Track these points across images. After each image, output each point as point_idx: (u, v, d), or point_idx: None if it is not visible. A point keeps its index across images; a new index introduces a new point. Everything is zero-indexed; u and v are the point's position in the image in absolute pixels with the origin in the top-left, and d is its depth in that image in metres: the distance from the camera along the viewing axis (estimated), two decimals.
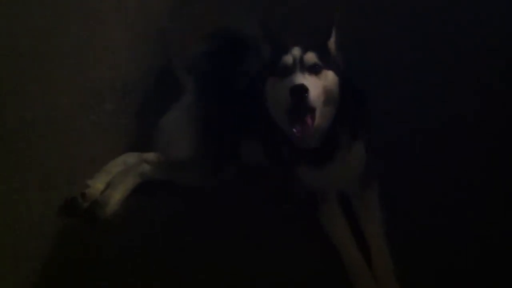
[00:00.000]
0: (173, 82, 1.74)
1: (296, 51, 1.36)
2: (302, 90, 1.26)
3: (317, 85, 1.32)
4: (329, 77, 1.36)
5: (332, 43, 1.43)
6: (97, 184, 1.54)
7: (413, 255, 1.38)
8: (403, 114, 1.66)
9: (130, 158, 1.59)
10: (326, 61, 1.36)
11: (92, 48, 1.96)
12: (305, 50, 1.36)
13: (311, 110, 1.29)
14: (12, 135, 1.70)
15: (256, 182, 1.58)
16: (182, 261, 1.41)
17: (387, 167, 1.50)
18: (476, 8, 2.00)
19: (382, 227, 1.42)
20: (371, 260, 1.37)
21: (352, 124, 1.39)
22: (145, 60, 1.94)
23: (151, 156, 1.59)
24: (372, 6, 2.03)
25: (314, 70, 1.34)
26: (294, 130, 1.28)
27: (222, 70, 1.61)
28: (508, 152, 1.60)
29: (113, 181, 1.55)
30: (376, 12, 2.02)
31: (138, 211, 1.53)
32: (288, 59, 1.35)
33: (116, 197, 1.52)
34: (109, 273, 1.40)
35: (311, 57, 1.35)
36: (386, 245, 1.39)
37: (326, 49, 1.41)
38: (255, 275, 1.37)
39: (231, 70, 1.60)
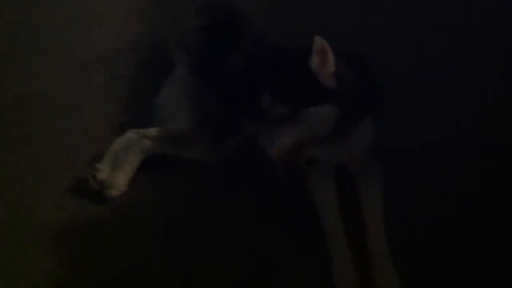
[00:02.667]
0: (167, 55, 1.74)
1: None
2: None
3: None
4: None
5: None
6: (103, 166, 1.53)
7: (412, 255, 1.38)
8: (402, 114, 1.65)
9: (131, 134, 1.58)
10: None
11: (84, 19, 1.97)
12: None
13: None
14: (3, 108, 1.71)
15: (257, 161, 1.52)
16: (184, 260, 1.41)
17: (387, 168, 1.49)
18: (475, 8, 2.00)
19: (381, 208, 1.42)
20: (367, 239, 1.38)
21: (361, 102, 1.33)
22: (138, 32, 1.95)
23: (151, 131, 1.58)
24: (372, 5, 2.04)
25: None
26: None
27: (215, 46, 1.61)
28: (508, 152, 1.60)
29: (116, 161, 1.54)
30: (375, 11, 2.03)
31: (138, 210, 1.52)
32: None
33: (123, 177, 1.52)
34: (108, 270, 1.40)
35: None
36: (383, 225, 1.39)
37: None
38: (256, 275, 1.38)
39: (225, 45, 1.60)
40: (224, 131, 1.57)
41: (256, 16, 1.77)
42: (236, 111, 1.55)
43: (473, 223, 1.45)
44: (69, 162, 1.59)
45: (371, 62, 1.43)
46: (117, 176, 1.52)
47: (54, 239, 1.44)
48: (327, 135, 1.31)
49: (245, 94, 1.48)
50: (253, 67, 1.48)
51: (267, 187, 1.55)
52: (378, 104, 1.41)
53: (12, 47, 1.88)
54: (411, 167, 1.56)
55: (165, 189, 1.56)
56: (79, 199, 1.51)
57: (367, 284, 1.34)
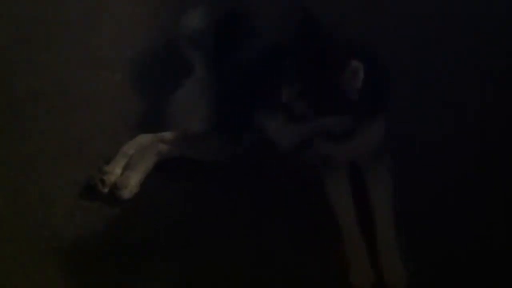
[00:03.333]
0: (180, 55, 1.76)
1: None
2: None
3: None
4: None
5: None
6: (115, 169, 1.55)
7: (413, 254, 1.38)
8: (402, 114, 1.65)
9: (145, 139, 1.61)
10: None
11: (99, 16, 1.98)
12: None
13: None
14: (19, 103, 1.73)
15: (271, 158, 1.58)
16: (186, 259, 1.42)
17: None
18: (476, 5, 2.00)
19: (390, 202, 1.43)
20: (376, 235, 1.38)
21: (373, 98, 1.33)
22: (155, 31, 1.96)
23: (167, 135, 1.60)
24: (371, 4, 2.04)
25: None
26: None
27: (228, 43, 1.64)
28: (508, 151, 1.60)
29: (130, 162, 1.56)
30: (376, 8, 2.03)
31: (144, 210, 1.53)
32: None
33: (136, 178, 1.54)
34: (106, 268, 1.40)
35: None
36: (392, 220, 1.39)
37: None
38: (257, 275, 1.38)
39: (237, 42, 1.63)
40: (240, 131, 1.58)
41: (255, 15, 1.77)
42: (251, 110, 1.56)
43: (473, 223, 1.45)
44: (83, 159, 1.61)
45: (382, 56, 1.42)
46: (130, 177, 1.53)
47: (67, 237, 1.45)
48: (339, 134, 1.34)
49: (261, 91, 1.51)
50: (266, 63, 1.51)
51: (267, 187, 1.55)
52: (388, 100, 1.41)
53: (27, 44, 1.89)
54: (411, 167, 1.56)
55: (164, 189, 1.56)
56: (91, 200, 1.52)
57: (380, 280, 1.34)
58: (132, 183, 1.53)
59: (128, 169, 1.55)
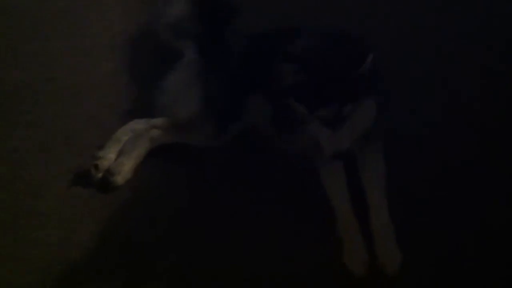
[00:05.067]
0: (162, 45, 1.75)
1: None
2: None
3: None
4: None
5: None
6: (108, 154, 1.55)
7: (413, 248, 1.37)
8: (402, 104, 1.66)
9: (138, 125, 1.61)
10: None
11: (87, 5, 1.98)
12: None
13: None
14: (9, 95, 1.73)
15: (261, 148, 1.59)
16: (184, 259, 1.40)
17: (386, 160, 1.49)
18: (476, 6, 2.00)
19: (383, 186, 1.43)
20: (369, 218, 1.39)
21: (364, 81, 1.34)
22: (141, 19, 1.95)
23: (159, 121, 1.60)
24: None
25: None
26: None
27: (216, 30, 1.64)
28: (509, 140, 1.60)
29: (123, 149, 1.56)
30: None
31: (139, 207, 1.51)
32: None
33: (129, 164, 1.54)
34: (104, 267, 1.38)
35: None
36: (386, 203, 1.40)
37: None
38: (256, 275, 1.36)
39: (225, 29, 1.63)
40: (229, 116, 1.59)
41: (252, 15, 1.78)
42: (241, 95, 1.58)
43: (473, 211, 1.45)
44: (75, 148, 1.60)
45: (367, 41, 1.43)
46: (123, 164, 1.53)
47: (58, 226, 1.44)
48: (328, 120, 1.34)
49: (255, 74, 1.53)
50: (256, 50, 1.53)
51: (268, 182, 1.54)
52: (378, 83, 1.41)
53: (18, 35, 1.89)
54: (410, 158, 1.56)
55: (160, 178, 1.56)
56: (84, 187, 1.52)
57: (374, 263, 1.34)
58: (126, 169, 1.53)
59: (121, 155, 1.55)
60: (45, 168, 1.56)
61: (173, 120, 1.60)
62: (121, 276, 1.36)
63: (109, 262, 1.38)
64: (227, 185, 1.54)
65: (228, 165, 1.59)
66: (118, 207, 1.50)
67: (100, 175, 1.52)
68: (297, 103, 1.36)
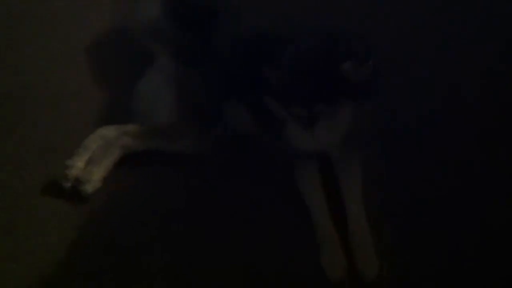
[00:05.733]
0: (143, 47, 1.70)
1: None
2: None
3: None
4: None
5: None
6: (77, 163, 1.49)
7: (413, 248, 1.38)
8: (402, 104, 1.66)
9: (108, 132, 1.54)
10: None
11: (60, 11, 1.97)
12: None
13: None
14: None
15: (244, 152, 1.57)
16: (182, 259, 1.39)
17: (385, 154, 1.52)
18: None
19: (360, 193, 1.43)
20: (348, 228, 1.38)
21: (344, 84, 1.32)
22: (113, 18, 1.93)
23: (131, 128, 1.53)
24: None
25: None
26: None
27: (191, 32, 1.58)
28: (509, 140, 1.60)
29: (93, 157, 1.51)
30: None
31: (135, 209, 1.50)
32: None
33: (99, 173, 1.48)
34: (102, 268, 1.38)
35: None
36: (363, 212, 1.39)
37: None
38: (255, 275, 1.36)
39: (202, 31, 1.58)
40: (210, 120, 1.54)
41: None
42: (221, 98, 1.53)
43: (473, 211, 1.45)
44: (46, 156, 1.56)
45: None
46: (92, 172, 1.48)
47: (31, 236, 1.42)
48: (302, 118, 1.33)
49: (232, 77, 1.50)
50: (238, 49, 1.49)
51: (268, 182, 1.53)
52: (360, 87, 1.36)
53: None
54: (408, 152, 1.57)
55: (151, 182, 1.54)
56: (56, 196, 1.48)
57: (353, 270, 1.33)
58: (95, 177, 1.47)
59: (91, 164, 1.49)
60: (18, 178, 1.53)
61: (147, 127, 1.53)
62: (115, 276, 1.35)
63: (103, 263, 1.38)
64: (227, 185, 1.53)
65: (228, 165, 1.58)
66: (115, 207, 1.49)
67: (69, 184, 1.47)
68: (272, 100, 1.37)
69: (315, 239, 1.39)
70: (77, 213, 1.46)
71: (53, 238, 1.42)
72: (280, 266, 1.37)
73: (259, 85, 1.37)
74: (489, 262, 1.36)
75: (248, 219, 1.46)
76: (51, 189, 1.50)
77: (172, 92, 1.54)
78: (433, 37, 1.92)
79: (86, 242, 1.42)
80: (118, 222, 1.46)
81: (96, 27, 1.93)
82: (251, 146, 1.57)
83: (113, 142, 1.52)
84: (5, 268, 1.36)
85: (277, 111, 1.39)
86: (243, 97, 1.53)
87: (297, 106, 1.33)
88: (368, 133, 1.48)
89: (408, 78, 1.75)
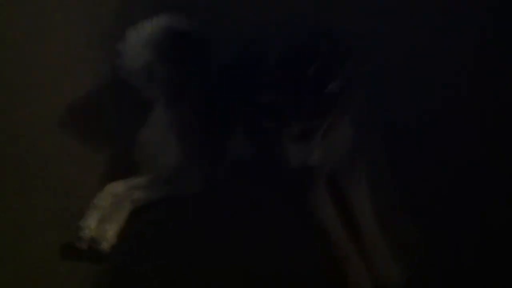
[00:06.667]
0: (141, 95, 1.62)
1: None
2: None
3: None
4: None
5: None
6: (89, 223, 1.46)
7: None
8: (402, 104, 1.66)
9: (117, 187, 1.51)
10: None
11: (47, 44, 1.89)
12: None
13: None
14: None
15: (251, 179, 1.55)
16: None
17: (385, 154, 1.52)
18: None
19: (369, 209, 1.42)
20: (364, 242, 1.38)
21: (336, 99, 1.31)
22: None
23: (138, 181, 1.52)
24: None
25: None
26: None
27: (182, 70, 1.55)
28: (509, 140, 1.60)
29: (105, 214, 1.48)
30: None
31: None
32: None
33: (113, 229, 1.46)
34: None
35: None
36: (376, 224, 1.39)
37: None
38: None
39: (192, 67, 1.55)
40: (213, 158, 1.52)
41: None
42: (223, 134, 1.51)
43: (474, 211, 1.45)
44: (56, 220, 1.51)
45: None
46: (107, 230, 1.45)
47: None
48: (296, 135, 1.32)
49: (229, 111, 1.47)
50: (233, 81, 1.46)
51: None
52: (354, 100, 1.37)
53: None
54: (406, 150, 1.57)
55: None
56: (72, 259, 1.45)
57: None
58: (110, 234, 1.45)
59: (104, 222, 1.46)
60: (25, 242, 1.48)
61: (153, 177, 1.51)
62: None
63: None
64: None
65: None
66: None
67: (85, 245, 1.44)
68: (265, 120, 1.35)
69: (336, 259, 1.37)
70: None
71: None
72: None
73: (256, 110, 1.36)
74: (489, 262, 1.36)
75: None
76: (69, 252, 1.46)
77: (173, 137, 1.51)
78: (433, 37, 1.92)
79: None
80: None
81: (87, 83, 1.80)
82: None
83: (123, 197, 1.50)
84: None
85: (273, 132, 1.36)
86: (244, 127, 1.51)
87: (290, 123, 1.31)
88: (369, 145, 1.48)
89: (408, 78, 1.75)
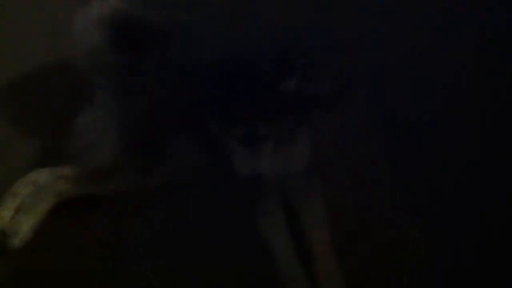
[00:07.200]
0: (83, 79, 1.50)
1: None
2: None
3: None
4: None
5: None
6: (3, 212, 1.32)
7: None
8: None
9: (41, 176, 1.37)
10: None
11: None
12: None
13: None
14: None
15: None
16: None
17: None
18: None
19: (327, 228, 1.34)
20: (317, 270, 1.30)
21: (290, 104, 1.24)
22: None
23: (67, 170, 1.37)
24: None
25: None
26: None
27: (134, 63, 1.39)
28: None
29: (23, 205, 1.33)
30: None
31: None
32: None
33: (29, 223, 1.31)
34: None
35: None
36: (333, 253, 1.31)
37: None
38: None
39: (145, 62, 1.39)
40: (152, 158, 1.39)
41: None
42: (165, 133, 1.40)
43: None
44: None
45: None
46: (21, 222, 1.30)
47: None
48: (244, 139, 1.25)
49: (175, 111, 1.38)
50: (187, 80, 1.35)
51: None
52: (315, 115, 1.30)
53: None
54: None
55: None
56: None
57: None
58: (24, 229, 1.29)
59: (20, 213, 1.31)
60: None
61: (83, 169, 1.36)
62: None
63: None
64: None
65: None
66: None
67: None
68: (212, 122, 1.29)
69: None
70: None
71: None
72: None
73: (202, 108, 1.29)
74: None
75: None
76: None
77: (113, 128, 1.37)
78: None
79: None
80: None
81: (32, 60, 1.71)
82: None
83: (46, 188, 1.35)
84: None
85: (221, 135, 1.29)
86: (192, 128, 1.41)
87: (238, 125, 1.24)
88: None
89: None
